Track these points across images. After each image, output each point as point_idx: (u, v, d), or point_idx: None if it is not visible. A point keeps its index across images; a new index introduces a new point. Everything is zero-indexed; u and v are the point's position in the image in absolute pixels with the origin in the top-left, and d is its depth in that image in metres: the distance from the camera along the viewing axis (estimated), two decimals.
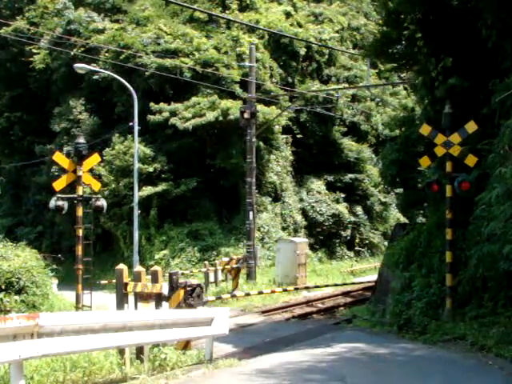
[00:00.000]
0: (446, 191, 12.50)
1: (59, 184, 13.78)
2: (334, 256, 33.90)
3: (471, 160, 12.23)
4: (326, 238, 33.92)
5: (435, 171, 13.90)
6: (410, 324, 12.53)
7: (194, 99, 30.01)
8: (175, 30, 32.44)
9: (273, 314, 17.83)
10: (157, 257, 28.10)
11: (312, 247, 31.69)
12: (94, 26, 34.34)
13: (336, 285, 23.23)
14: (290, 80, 34.27)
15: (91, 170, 18.05)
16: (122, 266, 10.31)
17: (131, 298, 10.22)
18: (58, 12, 36.50)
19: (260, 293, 19.38)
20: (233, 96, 30.03)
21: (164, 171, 29.80)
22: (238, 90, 29.99)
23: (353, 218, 34.93)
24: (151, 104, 29.68)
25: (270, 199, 32.15)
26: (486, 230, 10.55)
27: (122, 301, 10.07)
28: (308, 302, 20.02)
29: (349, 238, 34.81)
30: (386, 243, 31.90)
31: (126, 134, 29.08)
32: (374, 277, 20.33)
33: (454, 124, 12.51)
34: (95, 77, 31.31)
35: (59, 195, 13.64)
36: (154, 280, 10.01)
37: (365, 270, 30.77)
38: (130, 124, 24.70)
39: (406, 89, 36.26)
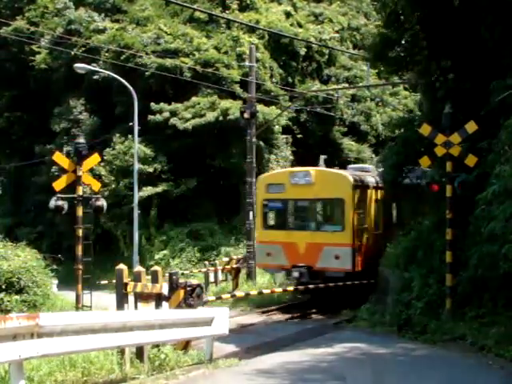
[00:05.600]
0: (446, 191, 12.50)
1: (59, 184, 13.76)
2: None
3: (471, 160, 12.23)
4: None
5: (435, 171, 13.91)
6: (410, 324, 12.53)
7: (194, 99, 30.01)
8: (175, 30, 32.44)
9: (273, 313, 17.82)
10: (157, 257, 28.09)
11: None
12: (94, 26, 34.33)
13: (336, 285, 23.16)
14: (290, 80, 34.26)
15: (91, 170, 18.06)
16: (122, 266, 10.32)
17: (131, 297, 10.23)
18: (58, 11, 36.50)
19: (260, 293, 19.34)
20: (233, 96, 30.03)
21: (164, 171, 29.79)
22: (238, 90, 29.99)
23: None
24: (151, 104, 29.68)
25: None
26: (486, 229, 10.55)
27: (121, 301, 10.08)
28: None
29: None
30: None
31: (127, 133, 29.07)
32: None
33: (453, 124, 12.51)
34: (95, 77, 31.28)
35: (59, 195, 13.63)
36: (154, 280, 10.02)
37: None
38: (130, 124, 24.69)
39: (406, 89, 36.30)
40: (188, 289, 10.00)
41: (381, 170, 19.33)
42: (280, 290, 20.52)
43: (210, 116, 28.91)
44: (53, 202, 13.56)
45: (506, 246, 9.91)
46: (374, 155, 36.25)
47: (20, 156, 38.98)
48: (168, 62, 30.09)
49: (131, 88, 24.13)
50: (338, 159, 35.84)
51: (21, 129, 38.41)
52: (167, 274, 10.93)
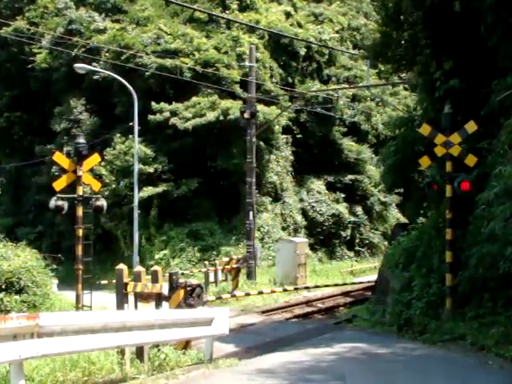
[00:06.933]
0: (446, 191, 12.50)
1: (59, 184, 13.77)
2: (334, 256, 33.91)
3: (471, 160, 12.23)
4: (326, 238, 33.93)
5: (435, 171, 13.90)
6: (410, 324, 12.52)
7: (194, 99, 30.03)
8: (175, 30, 32.46)
9: (273, 313, 17.84)
10: (157, 257, 28.09)
11: (312, 247, 31.68)
12: (94, 26, 34.36)
13: (336, 285, 23.24)
14: (290, 80, 34.29)
15: (91, 170, 18.05)
16: (122, 266, 10.31)
17: (131, 297, 10.22)
18: (59, 11, 36.52)
19: (260, 293, 19.39)
20: (233, 96, 30.04)
21: (164, 171, 29.81)
22: (238, 90, 30.00)
23: (353, 218, 34.94)
24: (152, 103, 29.70)
25: (270, 199, 32.16)
26: (486, 229, 10.55)
27: (122, 301, 10.08)
28: (308, 302, 20.02)
29: (349, 238, 34.81)
30: (386, 243, 31.90)
31: (127, 133, 29.07)
32: (373, 277, 20.34)
33: (454, 124, 12.51)
34: (95, 77, 31.30)
35: (59, 195, 13.62)
36: (154, 280, 10.02)
37: (365, 270, 30.76)
38: (130, 124, 24.67)
39: (406, 89, 36.32)
40: (188, 289, 9.99)
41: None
42: (280, 289, 20.63)
43: (211, 116, 28.92)
44: (53, 202, 13.55)
45: (509, 248, 9.90)
46: (374, 155, 36.28)
47: (20, 156, 38.99)
48: (168, 62, 30.10)
49: (131, 88, 24.12)
50: (338, 159, 35.92)
51: (21, 129, 38.43)
52: (167, 274, 10.92)
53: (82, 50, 32.28)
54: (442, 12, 12.80)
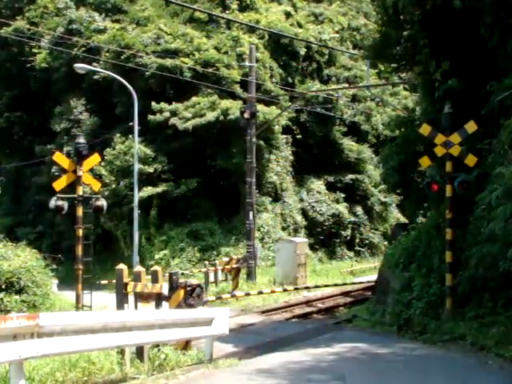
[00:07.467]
0: (446, 191, 12.50)
1: (59, 184, 13.77)
2: (334, 256, 33.92)
3: (471, 160, 12.23)
4: (326, 238, 33.95)
5: (435, 171, 13.91)
6: (410, 324, 12.53)
7: (194, 99, 30.03)
8: (175, 29, 32.47)
9: (273, 313, 17.83)
10: (157, 257, 28.10)
11: (312, 247, 31.69)
12: (94, 26, 34.37)
13: (336, 285, 23.23)
14: (290, 80, 34.29)
15: (91, 170, 18.05)
16: (122, 266, 10.31)
17: (131, 297, 10.22)
18: (59, 11, 36.53)
19: (260, 293, 19.38)
20: (233, 96, 30.05)
21: (164, 171, 29.81)
22: (238, 90, 30.01)
23: (353, 218, 34.94)
24: (152, 103, 29.71)
25: (270, 199, 32.16)
26: (486, 230, 10.55)
27: (122, 301, 10.08)
28: (308, 302, 20.02)
29: (349, 238, 34.81)
30: (386, 243, 31.90)
31: (127, 133, 29.08)
32: (373, 277, 20.33)
33: (454, 124, 12.51)
34: (96, 77, 31.31)
35: (59, 195, 13.63)
36: (154, 280, 10.02)
37: (365, 270, 30.76)
38: (130, 124, 24.67)
39: (406, 89, 36.32)
40: (188, 289, 9.99)
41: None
42: (280, 289, 20.62)
43: (210, 116, 28.93)
44: (53, 202, 13.55)
45: (510, 249, 9.89)
46: (374, 155, 36.29)
47: (20, 156, 38.99)
48: (168, 61, 30.11)
49: (131, 88, 24.10)
50: (338, 159, 35.94)
51: (21, 129, 38.43)
52: (167, 274, 10.92)
53: (82, 49, 32.27)
54: (440, 12, 12.79)
